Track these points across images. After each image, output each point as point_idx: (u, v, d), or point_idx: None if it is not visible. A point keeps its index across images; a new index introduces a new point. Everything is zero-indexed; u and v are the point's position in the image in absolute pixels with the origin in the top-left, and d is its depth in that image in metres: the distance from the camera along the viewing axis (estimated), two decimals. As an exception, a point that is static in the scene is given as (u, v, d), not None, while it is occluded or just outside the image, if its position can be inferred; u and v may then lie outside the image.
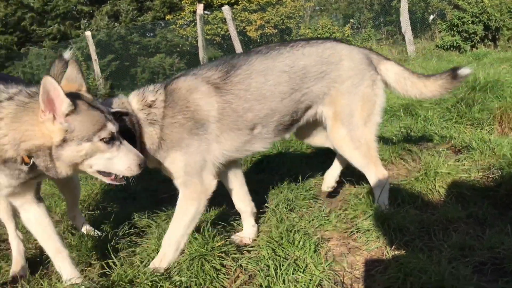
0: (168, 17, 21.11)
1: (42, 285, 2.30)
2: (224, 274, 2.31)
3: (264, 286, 2.12)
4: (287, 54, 2.64)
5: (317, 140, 3.16)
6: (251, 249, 2.55)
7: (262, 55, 2.62)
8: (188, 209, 2.49)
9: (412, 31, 12.37)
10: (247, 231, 2.80)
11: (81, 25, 21.39)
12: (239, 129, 2.56)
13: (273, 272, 2.18)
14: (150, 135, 2.42)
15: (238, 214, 3.04)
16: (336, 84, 2.68)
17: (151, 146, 2.44)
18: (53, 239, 2.37)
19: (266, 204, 3.13)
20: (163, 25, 20.34)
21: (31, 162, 2.03)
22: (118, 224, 3.05)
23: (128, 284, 2.21)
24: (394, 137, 4.26)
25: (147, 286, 2.21)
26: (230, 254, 2.43)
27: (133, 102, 2.47)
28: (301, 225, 2.70)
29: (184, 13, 20.15)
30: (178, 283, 2.26)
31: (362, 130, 2.72)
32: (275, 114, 2.61)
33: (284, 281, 2.12)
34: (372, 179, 2.79)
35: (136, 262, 2.43)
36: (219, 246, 2.44)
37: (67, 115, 1.98)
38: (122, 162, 2.13)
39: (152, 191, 3.96)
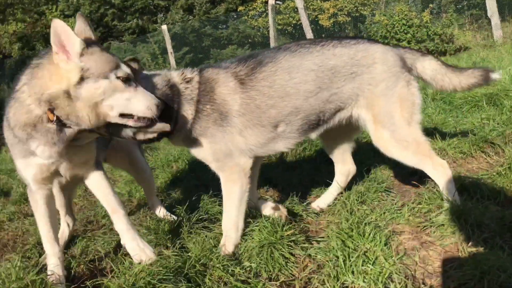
0: (240, 8, 21.38)
1: (123, 263, 2.47)
2: (293, 262, 2.35)
3: (332, 276, 2.12)
4: (317, 53, 2.61)
5: (335, 154, 3.17)
6: (320, 239, 2.56)
7: (290, 52, 2.62)
8: (233, 191, 2.59)
9: (499, 14, 11.50)
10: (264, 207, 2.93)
11: (157, 19, 22.34)
12: (263, 125, 2.58)
13: (342, 263, 2.17)
14: (186, 113, 2.52)
15: (309, 204, 3.07)
16: (371, 86, 2.63)
17: (183, 125, 2.53)
18: (110, 200, 2.59)
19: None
20: (235, 16, 20.65)
21: (55, 118, 2.13)
22: (192, 210, 3.19)
23: (202, 267, 2.32)
24: (474, 129, 4.02)
25: (218, 269, 2.30)
26: (299, 244, 2.46)
27: (173, 74, 2.61)
28: (372, 218, 2.66)
29: (256, 3, 20.29)
30: (248, 268, 2.34)
31: (408, 130, 2.64)
32: (299, 113, 2.59)
33: (353, 272, 2.11)
34: (431, 172, 2.68)
35: (208, 246, 2.52)
36: (288, 235, 2.48)
37: (81, 55, 2.08)
38: (141, 102, 2.20)
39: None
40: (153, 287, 2.13)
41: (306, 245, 2.47)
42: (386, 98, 2.63)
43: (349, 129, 2.93)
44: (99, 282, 2.31)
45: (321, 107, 2.62)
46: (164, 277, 2.19)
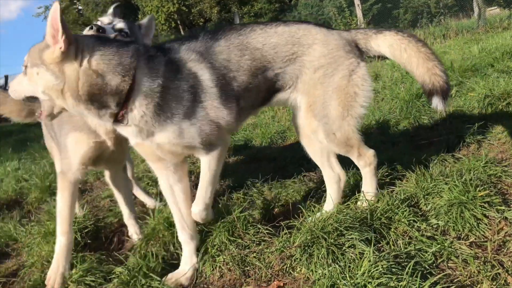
0: None
1: (313, 210, 2.71)
2: (485, 224, 2.24)
3: (532, 242, 1.97)
4: (260, 31, 2.56)
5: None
6: (519, 203, 2.36)
7: (236, 31, 2.56)
8: (215, 167, 2.50)
9: None
10: None
11: (345, -30, 21.78)
12: (233, 96, 2.47)
13: (546, 230, 1.99)
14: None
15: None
16: (309, 71, 2.54)
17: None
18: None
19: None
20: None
21: None
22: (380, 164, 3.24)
23: (387, 220, 2.40)
24: None
25: (403, 224, 2.36)
26: (494, 206, 2.32)
27: None
28: None
29: None
30: (435, 225, 2.32)
31: (340, 124, 2.55)
32: (253, 88, 2.53)
33: (558, 241, 1.92)
34: (356, 161, 2.70)
35: (395, 201, 2.56)
36: (481, 196, 2.36)
37: None
38: None
39: (411, 136, 3.99)
40: (340, 233, 2.30)
41: (502, 207, 2.31)
42: (323, 86, 2.53)
43: None
44: (292, 224, 2.59)
45: (268, 85, 2.57)
46: (350, 226, 2.34)
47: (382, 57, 10.45)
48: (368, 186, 2.70)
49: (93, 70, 2.14)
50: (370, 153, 2.66)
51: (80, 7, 36.68)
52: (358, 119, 2.58)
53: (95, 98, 2.17)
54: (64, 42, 2.07)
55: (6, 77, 22.23)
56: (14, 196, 4.89)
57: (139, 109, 2.23)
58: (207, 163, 2.46)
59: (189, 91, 2.31)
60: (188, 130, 2.31)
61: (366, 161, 2.66)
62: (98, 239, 3.25)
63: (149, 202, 3.91)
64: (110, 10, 2.99)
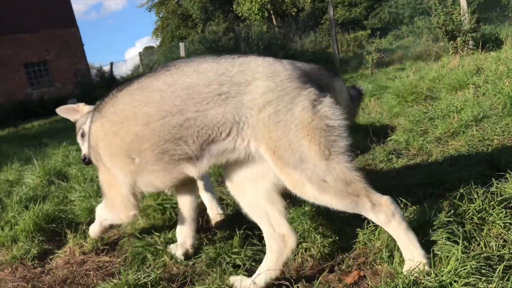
0: None
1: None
2: None
3: None
4: (175, 70, 2.15)
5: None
6: None
7: (152, 73, 2.26)
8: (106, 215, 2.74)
9: None
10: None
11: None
12: (115, 155, 2.33)
13: None
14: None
15: None
16: (252, 111, 2.01)
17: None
18: None
19: None
20: None
21: None
22: (475, 162, 3.07)
23: (480, 220, 2.30)
24: None
25: (498, 226, 2.24)
26: None
27: None
28: None
29: None
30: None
31: (325, 167, 1.95)
32: (143, 141, 2.18)
33: None
34: (373, 218, 2.02)
35: (491, 202, 2.43)
36: None
37: None
38: None
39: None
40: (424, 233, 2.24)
41: None
42: (280, 126, 1.98)
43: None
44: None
45: (174, 134, 2.12)
46: (438, 226, 2.27)
47: (486, 49, 9.73)
48: (407, 247, 2.01)
49: None
50: (385, 200, 1.99)
51: (179, -2, 38.45)
52: (347, 153, 2.01)
53: None
54: None
55: (112, 64, 24.07)
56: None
57: None
58: None
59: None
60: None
61: (386, 213, 1.98)
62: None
63: None
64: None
